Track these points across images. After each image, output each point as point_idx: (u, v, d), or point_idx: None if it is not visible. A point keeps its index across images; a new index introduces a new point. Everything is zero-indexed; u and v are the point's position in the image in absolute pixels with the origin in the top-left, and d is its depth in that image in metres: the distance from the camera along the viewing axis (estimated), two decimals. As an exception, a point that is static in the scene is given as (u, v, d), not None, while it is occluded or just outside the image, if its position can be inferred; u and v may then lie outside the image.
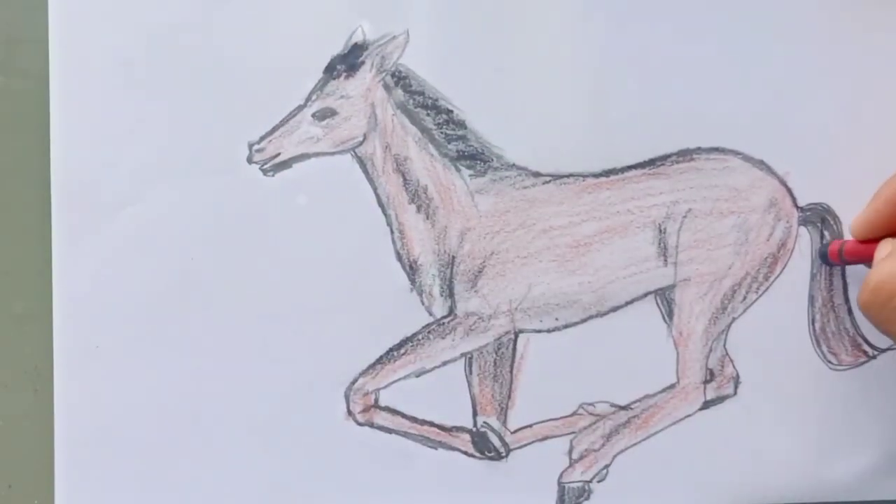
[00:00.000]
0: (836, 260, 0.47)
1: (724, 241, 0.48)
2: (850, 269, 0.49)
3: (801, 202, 0.49)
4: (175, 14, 0.47)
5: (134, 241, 0.47)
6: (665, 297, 0.48)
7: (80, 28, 0.47)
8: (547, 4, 0.48)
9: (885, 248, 0.44)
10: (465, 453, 0.48)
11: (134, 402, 0.47)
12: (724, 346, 0.48)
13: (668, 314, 0.48)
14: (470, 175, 0.48)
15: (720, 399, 0.48)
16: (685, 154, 0.48)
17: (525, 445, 0.48)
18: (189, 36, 0.47)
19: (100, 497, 0.47)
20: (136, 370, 0.47)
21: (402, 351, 0.48)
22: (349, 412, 0.48)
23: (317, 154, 0.48)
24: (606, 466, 0.48)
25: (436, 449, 0.48)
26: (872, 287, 0.42)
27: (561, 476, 0.48)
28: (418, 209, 0.48)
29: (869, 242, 0.46)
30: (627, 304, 0.48)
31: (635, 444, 0.48)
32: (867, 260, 0.45)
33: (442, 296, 0.48)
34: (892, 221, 0.45)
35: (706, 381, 0.48)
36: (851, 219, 0.47)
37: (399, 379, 0.48)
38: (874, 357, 0.49)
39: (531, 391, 0.48)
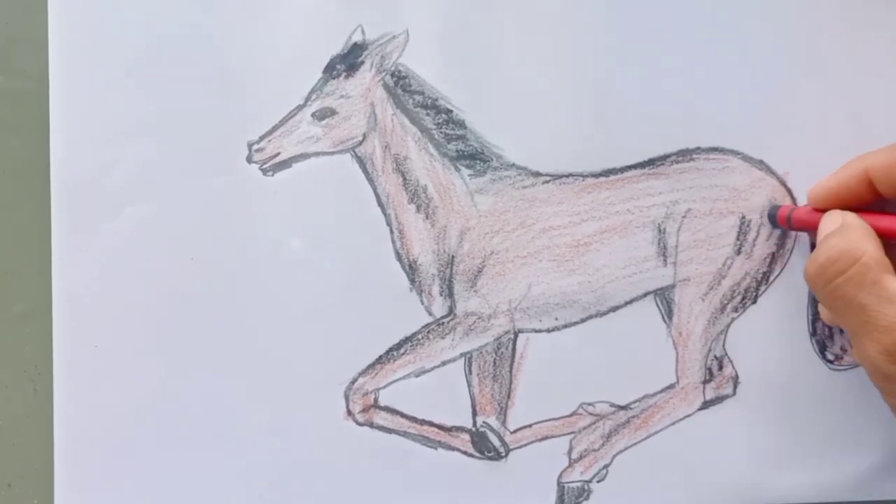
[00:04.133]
0: (783, 224, 0.47)
1: (723, 241, 0.48)
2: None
3: (801, 202, 0.48)
4: (175, 14, 0.47)
5: (134, 241, 0.47)
6: (664, 297, 0.48)
7: (80, 28, 0.47)
8: (547, 4, 0.48)
9: (833, 221, 0.43)
10: (465, 453, 0.48)
11: (133, 402, 0.47)
12: (724, 346, 0.48)
13: (668, 314, 0.48)
14: (469, 175, 0.48)
15: (719, 399, 0.48)
16: (685, 154, 0.48)
17: (524, 445, 0.48)
18: (189, 36, 0.47)
19: (99, 497, 0.47)
20: (135, 370, 0.47)
21: (402, 351, 0.48)
22: (349, 412, 0.48)
23: (316, 154, 0.48)
24: (606, 466, 0.48)
25: (435, 449, 0.48)
26: (822, 262, 0.41)
27: (560, 476, 0.48)
28: (418, 209, 0.48)
29: (822, 212, 0.45)
30: (627, 304, 0.48)
31: (635, 444, 0.48)
32: (814, 228, 0.45)
33: (441, 295, 0.48)
34: (852, 196, 0.44)
35: (705, 381, 0.48)
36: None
37: (399, 379, 0.48)
38: (874, 357, 0.49)
39: (531, 391, 0.48)
